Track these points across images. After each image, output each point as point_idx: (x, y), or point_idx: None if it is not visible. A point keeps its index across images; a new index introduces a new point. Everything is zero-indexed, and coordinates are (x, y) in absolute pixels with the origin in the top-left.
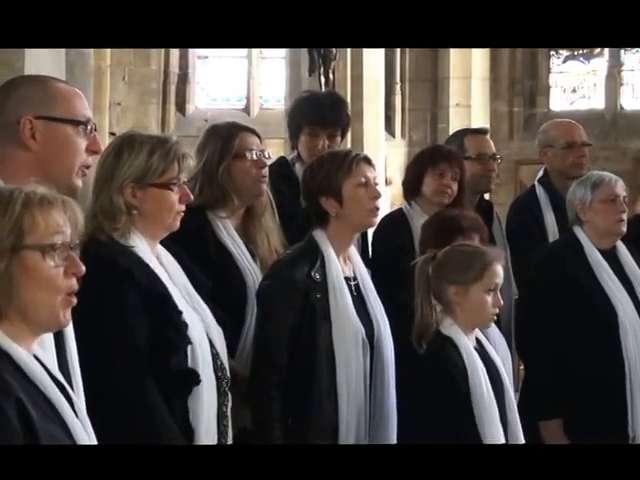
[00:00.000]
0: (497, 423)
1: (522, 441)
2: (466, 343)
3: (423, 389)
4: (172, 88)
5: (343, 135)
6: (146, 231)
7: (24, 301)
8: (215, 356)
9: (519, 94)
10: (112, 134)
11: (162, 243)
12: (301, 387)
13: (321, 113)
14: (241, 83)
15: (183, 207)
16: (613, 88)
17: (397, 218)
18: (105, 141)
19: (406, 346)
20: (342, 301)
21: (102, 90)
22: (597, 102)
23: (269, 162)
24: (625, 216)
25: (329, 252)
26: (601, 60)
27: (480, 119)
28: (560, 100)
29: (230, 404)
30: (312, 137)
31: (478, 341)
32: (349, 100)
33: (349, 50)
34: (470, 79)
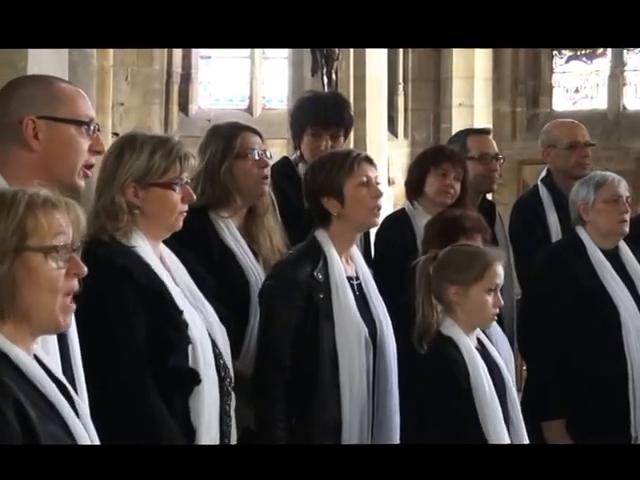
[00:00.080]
0: (500, 422)
1: (526, 440)
2: (467, 343)
3: (425, 389)
4: (175, 88)
5: (346, 135)
6: (148, 231)
7: (26, 302)
8: (218, 356)
9: (522, 94)
10: (115, 134)
11: (167, 243)
12: (304, 387)
13: (324, 113)
14: (244, 83)
15: (186, 207)
16: (616, 88)
17: (400, 218)
18: (108, 141)
19: (408, 346)
20: (345, 301)
21: (105, 90)
22: (600, 102)
23: (271, 162)
24: (628, 216)
25: (331, 252)
26: (604, 60)
27: (483, 119)
28: (563, 100)
29: (233, 404)
30: (315, 137)
31: (479, 341)
32: (352, 100)
33: (352, 50)
34: (473, 79)
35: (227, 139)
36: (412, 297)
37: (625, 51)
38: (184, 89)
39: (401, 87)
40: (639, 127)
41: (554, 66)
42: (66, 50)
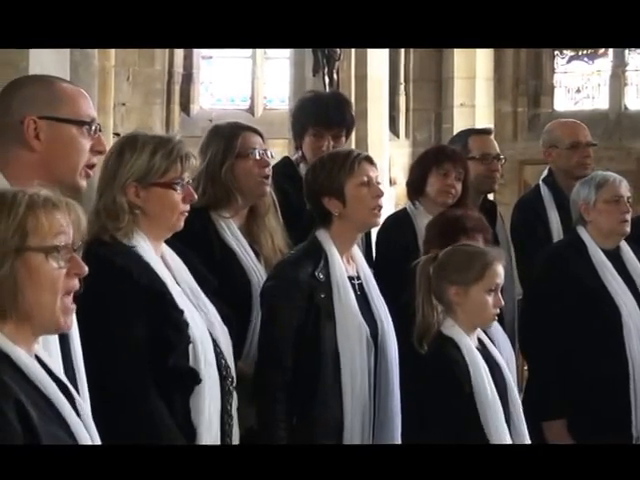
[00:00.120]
0: (502, 422)
1: (527, 440)
2: (468, 343)
3: (426, 389)
4: (176, 88)
5: (347, 135)
6: (150, 231)
7: (28, 302)
8: (219, 355)
9: (523, 94)
10: (116, 134)
11: (170, 243)
12: (306, 387)
13: (326, 114)
14: (245, 83)
15: (187, 207)
16: (617, 88)
17: (401, 218)
18: (109, 141)
19: (409, 346)
20: (346, 300)
21: (106, 90)
22: (601, 102)
23: (272, 162)
24: (629, 216)
25: (332, 252)
26: (605, 60)
27: (484, 119)
28: (564, 100)
29: (235, 403)
30: (317, 138)
31: (480, 341)
32: (353, 100)
33: (353, 50)
34: (474, 79)
35: (228, 139)
36: (412, 297)
37: (627, 51)
38: (185, 89)
39: (402, 87)
40: None
41: (555, 66)
42: (67, 50)
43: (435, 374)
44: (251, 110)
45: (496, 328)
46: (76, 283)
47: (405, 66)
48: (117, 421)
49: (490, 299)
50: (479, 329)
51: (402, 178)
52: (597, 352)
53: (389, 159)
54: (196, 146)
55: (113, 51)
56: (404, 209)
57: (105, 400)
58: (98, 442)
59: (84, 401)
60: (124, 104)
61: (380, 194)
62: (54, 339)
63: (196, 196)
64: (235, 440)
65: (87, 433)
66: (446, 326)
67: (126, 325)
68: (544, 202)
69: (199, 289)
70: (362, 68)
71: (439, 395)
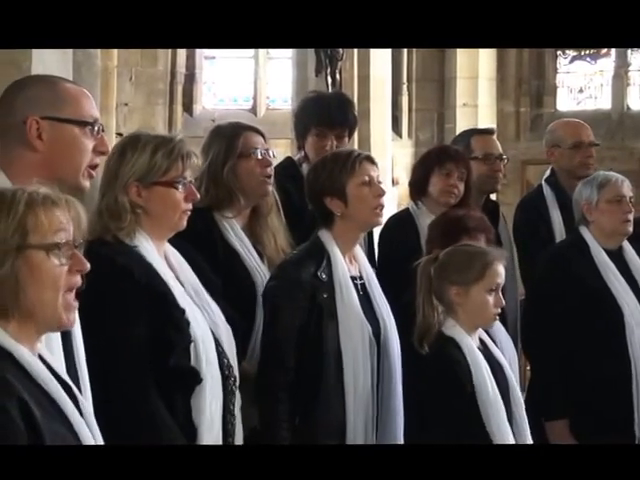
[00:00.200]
0: (504, 422)
1: (530, 440)
2: (469, 343)
3: (427, 389)
4: (179, 88)
5: (350, 135)
6: (152, 231)
7: (30, 300)
8: (221, 354)
9: (526, 94)
10: (119, 134)
11: (175, 243)
12: (308, 386)
13: (328, 114)
14: (248, 83)
15: (189, 206)
16: (620, 88)
17: (404, 218)
18: (112, 142)
19: (411, 346)
20: (348, 300)
21: (109, 90)
22: (604, 102)
23: (274, 161)
24: (631, 216)
25: (335, 252)
26: (608, 60)
27: (487, 119)
28: (567, 100)
29: (238, 403)
30: (320, 138)
31: (481, 341)
32: (356, 100)
33: (356, 50)
34: (477, 79)
35: (229, 139)
36: (414, 297)
37: (629, 51)
38: (188, 89)
39: (405, 87)
40: None
41: (558, 66)
42: (70, 50)
43: (437, 374)
44: (254, 110)
45: (498, 328)
46: (78, 280)
47: (408, 66)
48: (118, 421)
49: (491, 299)
50: (480, 329)
51: (405, 178)
52: (600, 352)
53: (392, 159)
54: (199, 146)
55: (116, 51)
56: (406, 209)
57: (106, 400)
58: (100, 442)
59: (86, 400)
60: (127, 104)
61: (382, 193)
62: (56, 338)
63: (198, 195)
64: (238, 440)
65: (90, 432)
66: (447, 326)
67: (127, 324)
68: (547, 202)
69: (203, 289)
70: (365, 68)
71: (441, 395)
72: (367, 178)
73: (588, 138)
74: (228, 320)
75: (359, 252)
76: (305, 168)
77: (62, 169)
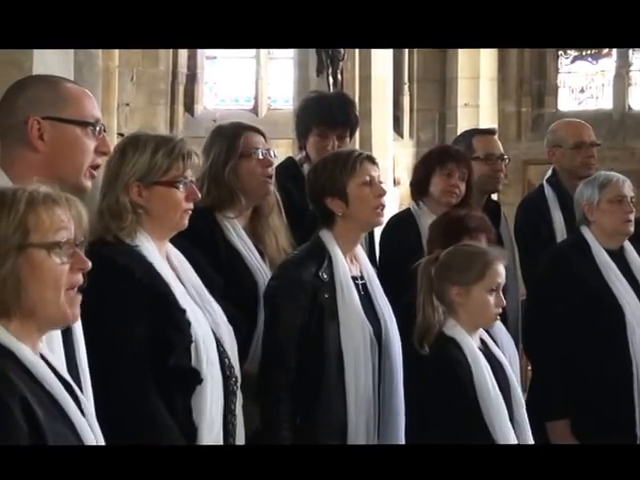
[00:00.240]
0: (506, 422)
1: (531, 440)
2: (470, 343)
3: (428, 390)
4: (180, 89)
5: (351, 135)
6: (153, 230)
7: (32, 298)
8: (222, 354)
9: (527, 94)
10: (120, 135)
11: (177, 243)
12: (310, 387)
13: (330, 114)
14: (249, 83)
15: (190, 205)
16: (621, 88)
17: (405, 218)
18: (113, 142)
19: (412, 346)
20: (350, 300)
21: (110, 91)
22: (605, 102)
23: (275, 161)
24: (632, 216)
25: (336, 252)
26: (609, 60)
27: (488, 119)
28: (568, 100)
29: (240, 403)
30: (321, 138)
31: (482, 341)
32: (357, 100)
33: (357, 50)
34: (478, 79)
35: (230, 139)
36: (415, 297)
37: (630, 51)
38: (190, 89)
39: (406, 87)
40: None
41: (559, 66)
42: (71, 50)
43: (437, 374)
44: (255, 110)
45: (499, 328)
46: (79, 278)
47: (409, 66)
48: (118, 421)
49: (492, 299)
50: (481, 329)
51: (406, 178)
52: (601, 352)
53: (393, 159)
54: (200, 146)
55: (117, 51)
56: (408, 209)
57: (106, 400)
58: (102, 442)
59: (87, 400)
60: (128, 104)
61: (382, 193)
62: (57, 337)
63: (199, 195)
64: (239, 440)
65: (92, 432)
66: (448, 326)
67: (127, 324)
68: (548, 202)
69: (204, 289)
70: (366, 68)
71: (441, 395)
72: (368, 178)
73: (589, 138)
74: (230, 320)
75: (360, 252)
76: (306, 168)
77: (64, 169)
